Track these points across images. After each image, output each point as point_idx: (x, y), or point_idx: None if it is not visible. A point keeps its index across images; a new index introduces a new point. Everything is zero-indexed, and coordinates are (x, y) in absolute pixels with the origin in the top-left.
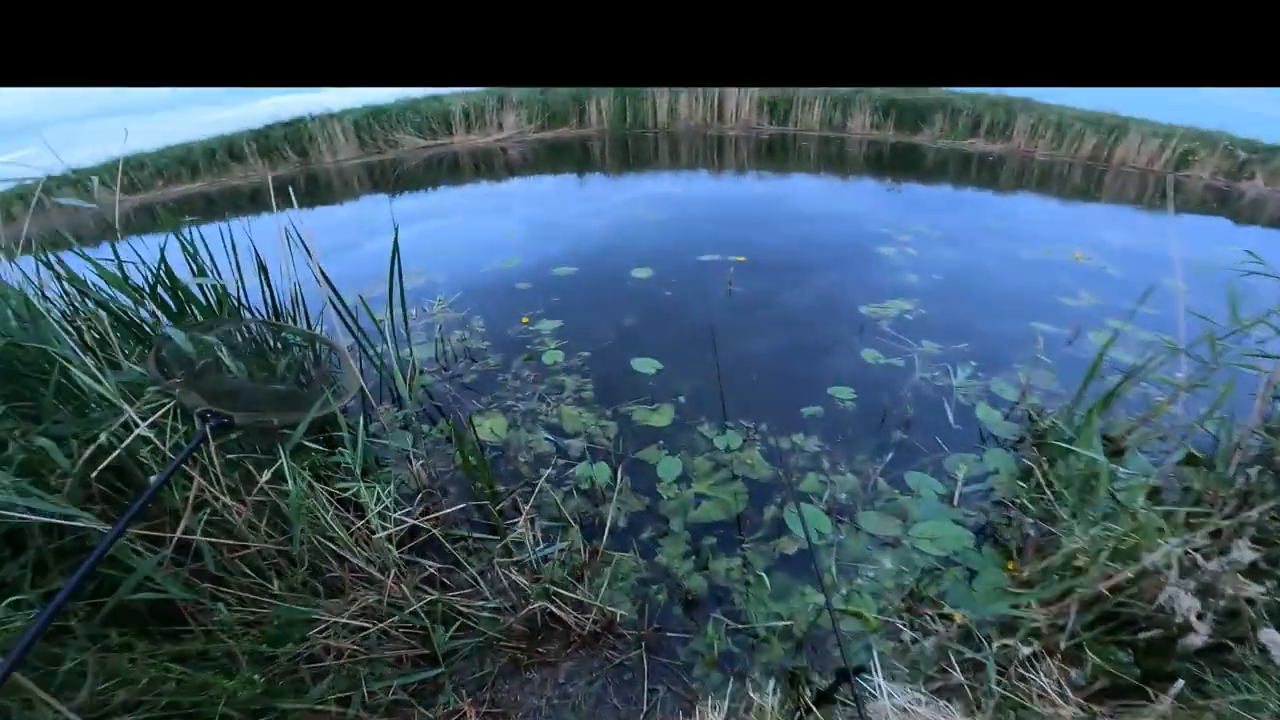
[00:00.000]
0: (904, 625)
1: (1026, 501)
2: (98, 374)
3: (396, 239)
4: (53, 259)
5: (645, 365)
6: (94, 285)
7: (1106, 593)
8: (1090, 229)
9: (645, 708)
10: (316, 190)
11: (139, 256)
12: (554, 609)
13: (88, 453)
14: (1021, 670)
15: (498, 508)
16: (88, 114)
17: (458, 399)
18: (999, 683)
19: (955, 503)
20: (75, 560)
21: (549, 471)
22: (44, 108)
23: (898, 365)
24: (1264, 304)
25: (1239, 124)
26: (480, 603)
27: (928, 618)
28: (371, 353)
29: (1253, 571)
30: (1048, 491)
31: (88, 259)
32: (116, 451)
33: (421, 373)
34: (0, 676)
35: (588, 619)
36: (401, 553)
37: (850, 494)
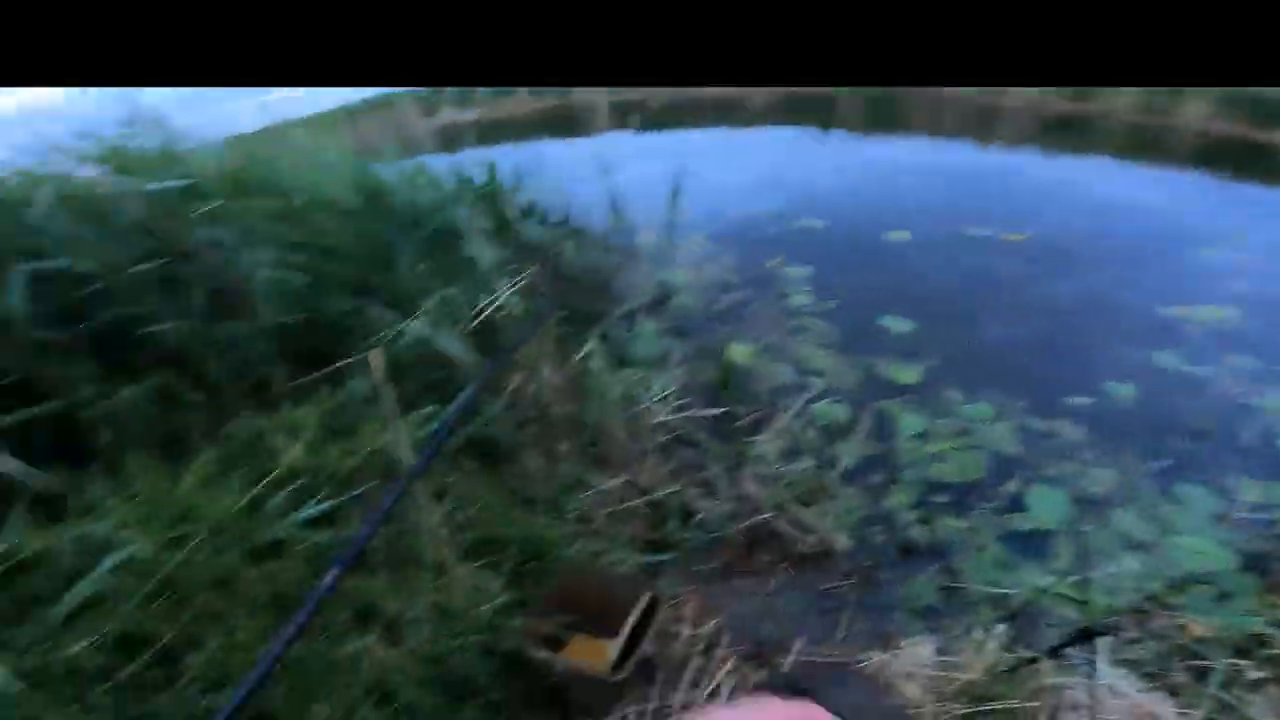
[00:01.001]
0: (1133, 624)
1: None
2: (482, 248)
3: (679, 175)
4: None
5: (896, 323)
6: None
7: None
8: None
9: (840, 637)
10: (571, 124)
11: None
12: (780, 524)
13: (471, 310)
14: (1240, 692)
15: (736, 424)
16: None
17: (708, 322)
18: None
19: (1229, 523)
20: (441, 391)
21: (793, 402)
22: None
23: (1196, 374)
24: None
25: None
26: (712, 503)
27: (1160, 622)
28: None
29: None
30: None
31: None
32: (493, 305)
33: (678, 292)
34: (403, 486)
35: (808, 541)
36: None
37: (1107, 489)
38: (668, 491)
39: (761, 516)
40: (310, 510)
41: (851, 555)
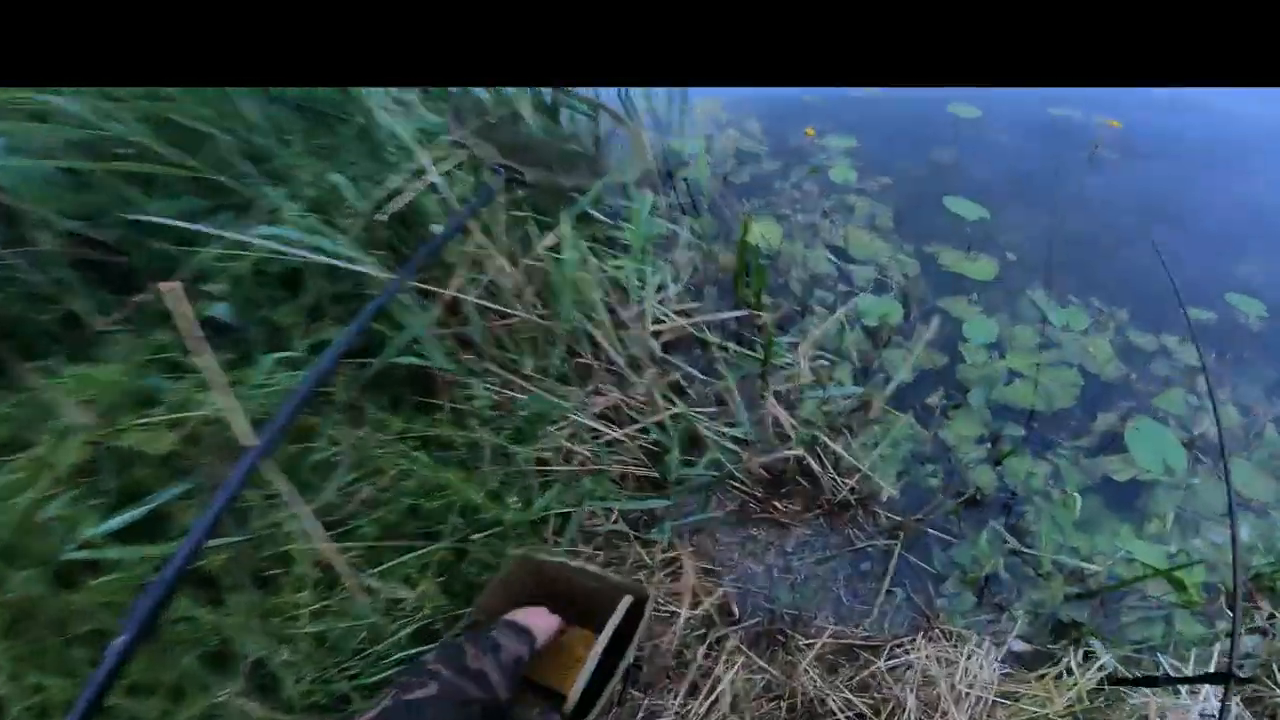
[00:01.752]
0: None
1: None
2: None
3: None
4: None
5: (964, 208)
6: None
7: None
8: None
9: (875, 613)
10: None
11: None
12: (810, 460)
13: (378, 196)
14: None
15: (759, 325)
16: None
17: (724, 197)
18: None
19: None
20: (350, 308)
21: (831, 298)
22: None
23: None
24: None
25: None
26: (726, 431)
27: (1262, 613)
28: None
29: None
30: None
31: None
32: (408, 197)
33: (686, 164)
34: (263, 447)
35: (845, 484)
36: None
37: (1225, 431)
38: (668, 415)
39: (787, 452)
40: (114, 521)
41: (898, 503)
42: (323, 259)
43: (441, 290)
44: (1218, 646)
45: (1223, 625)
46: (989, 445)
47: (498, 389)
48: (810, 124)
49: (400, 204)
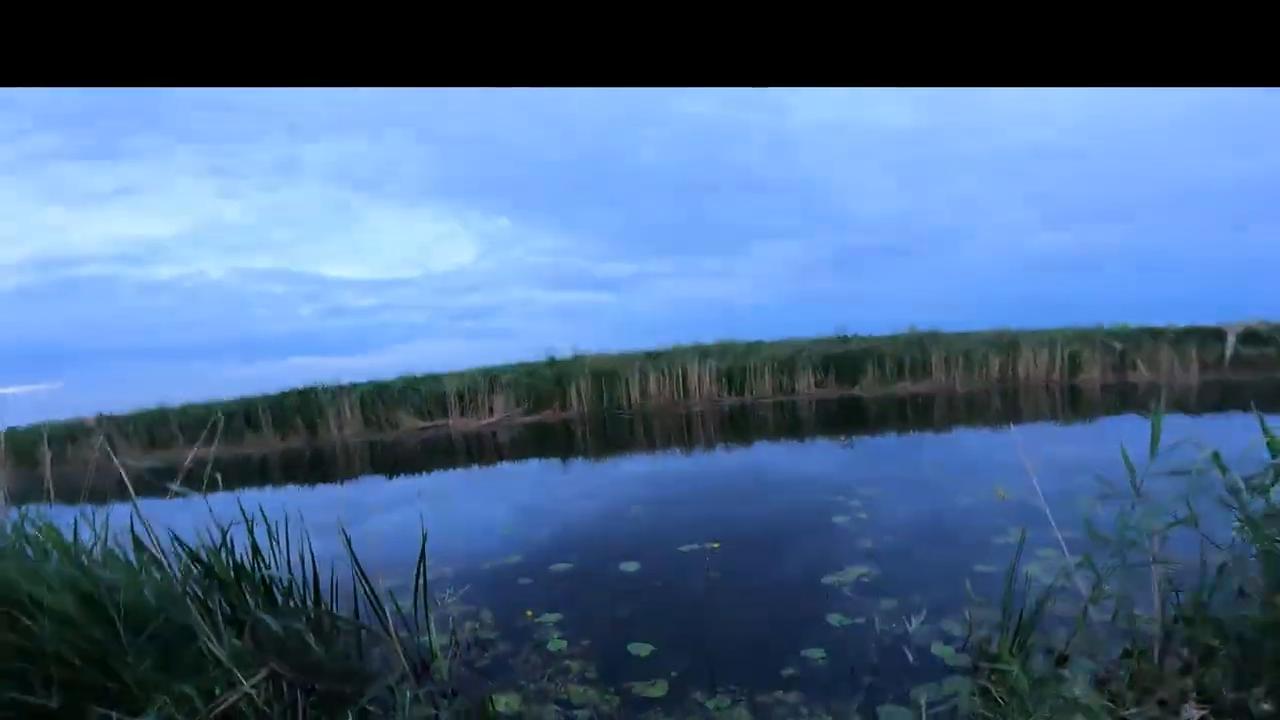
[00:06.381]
0: None
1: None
2: (217, 645)
3: (424, 547)
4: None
5: (640, 649)
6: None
7: None
8: (1027, 450)
9: None
10: (321, 464)
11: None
12: None
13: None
14: None
15: None
16: (116, 352)
17: (472, 683)
18: None
19: None
20: None
21: None
22: (73, 336)
23: (860, 623)
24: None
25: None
26: None
27: None
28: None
29: None
30: (1002, 705)
31: (186, 548)
32: (230, 700)
33: (436, 657)
34: None
35: None
36: None
37: None
38: None
39: None
40: None
41: None
42: None
43: None
44: None
45: None
46: None
47: None
48: (528, 605)
49: (223, 707)
